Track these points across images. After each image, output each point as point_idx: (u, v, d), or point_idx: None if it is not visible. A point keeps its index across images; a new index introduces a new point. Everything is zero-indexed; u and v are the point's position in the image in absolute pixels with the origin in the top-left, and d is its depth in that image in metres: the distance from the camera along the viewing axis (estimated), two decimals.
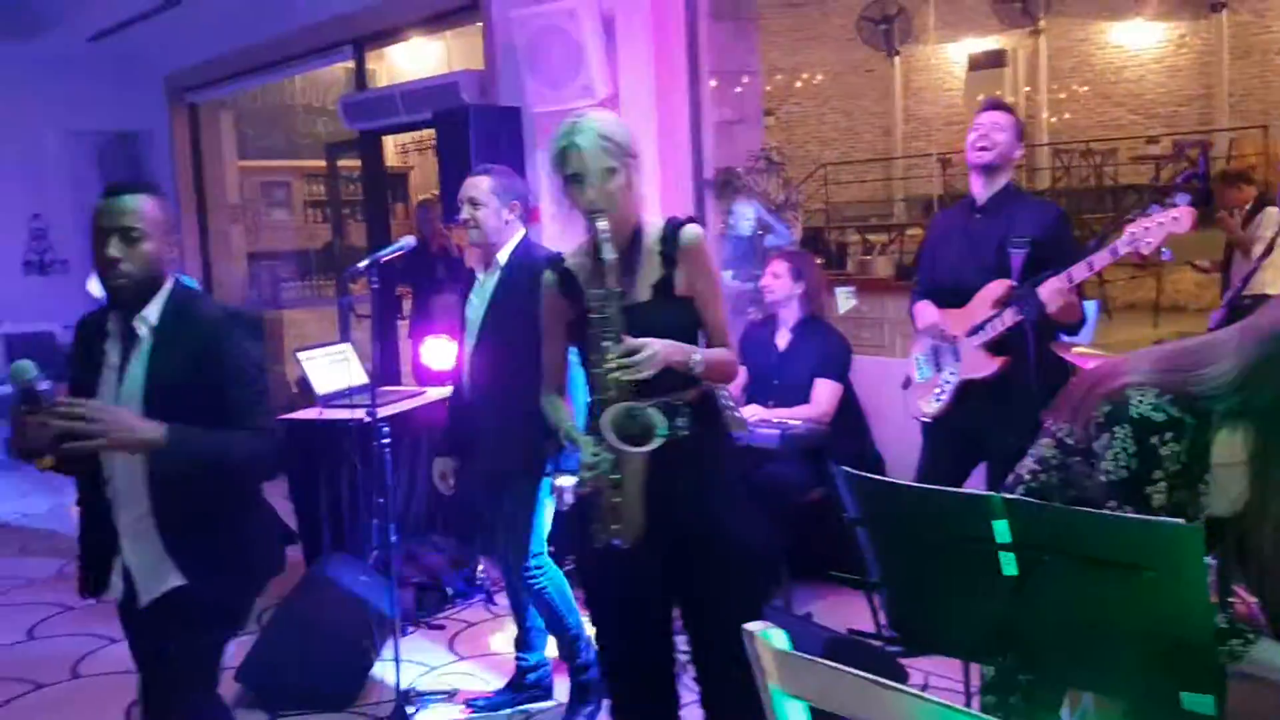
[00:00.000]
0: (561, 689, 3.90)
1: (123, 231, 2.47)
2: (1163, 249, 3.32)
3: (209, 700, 2.71)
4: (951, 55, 17.17)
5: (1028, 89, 15.96)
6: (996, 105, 3.81)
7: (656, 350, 2.39)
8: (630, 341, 2.40)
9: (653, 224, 2.62)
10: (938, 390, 3.83)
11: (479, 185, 3.61)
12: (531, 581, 3.69)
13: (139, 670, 2.73)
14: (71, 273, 10.01)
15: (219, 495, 2.55)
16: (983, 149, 3.70)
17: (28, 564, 5.95)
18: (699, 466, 2.56)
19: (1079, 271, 3.38)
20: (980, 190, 3.77)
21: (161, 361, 2.50)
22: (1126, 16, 15.27)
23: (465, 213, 3.62)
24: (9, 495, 7.36)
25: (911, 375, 3.98)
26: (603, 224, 2.46)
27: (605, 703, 3.35)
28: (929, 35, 16.07)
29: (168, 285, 2.56)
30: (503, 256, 3.61)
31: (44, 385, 2.37)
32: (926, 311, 3.88)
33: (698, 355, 2.49)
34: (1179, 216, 3.23)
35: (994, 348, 3.63)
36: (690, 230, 2.58)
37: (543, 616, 3.78)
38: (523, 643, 3.93)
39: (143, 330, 2.52)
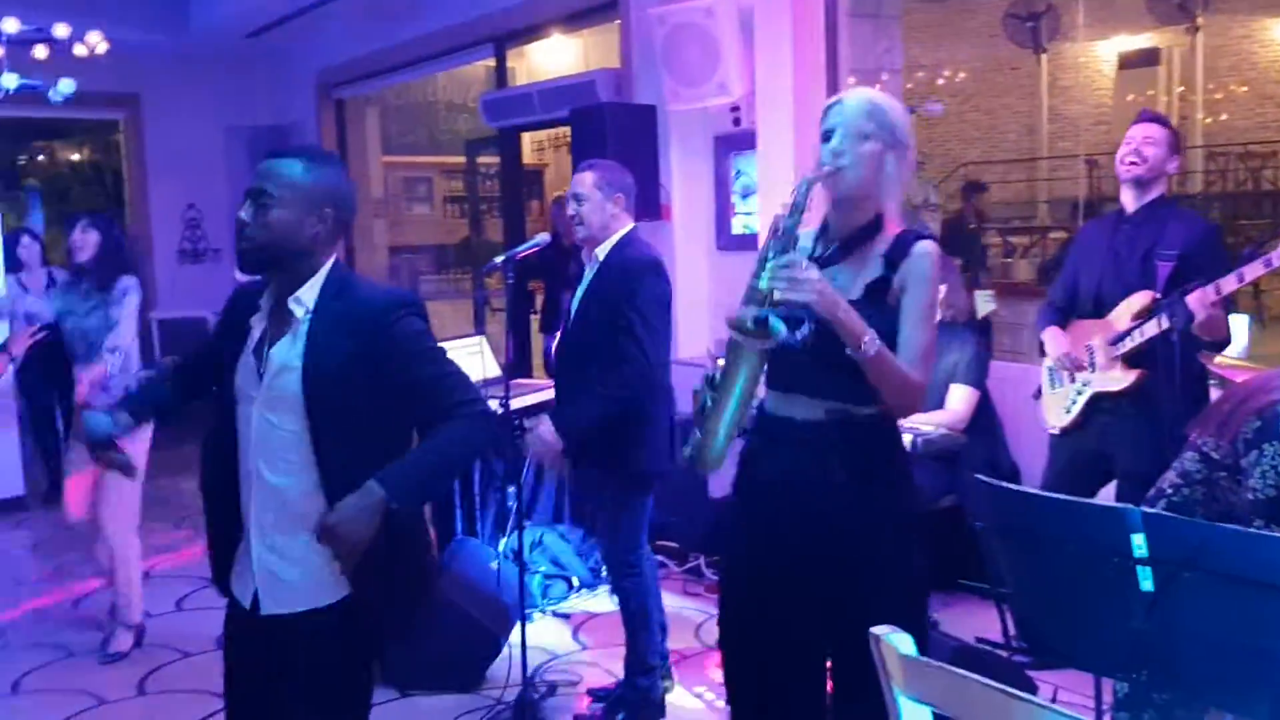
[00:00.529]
0: (680, 680, 3.93)
1: (255, 194, 2.28)
2: None
3: None
4: (1101, 53, 16.62)
5: (1182, 89, 15.34)
6: (1151, 118, 3.71)
7: (817, 281, 2.16)
8: (796, 256, 2.21)
9: (892, 225, 2.40)
10: (1069, 402, 3.74)
11: (583, 181, 3.65)
12: (620, 579, 3.73)
13: (231, 696, 2.46)
14: (223, 261, 10.44)
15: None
16: (1133, 163, 3.61)
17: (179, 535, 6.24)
18: (864, 510, 2.30)
19: (1228, 283, 3.26)
20: (1130, 202, 3.68)
21: (321, 348, 2.25)
22: None
23: (571, 208, 3.67)
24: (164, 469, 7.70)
25: (1042, 385, 3.89)
26: (814, 178, 2.28)
27: None
28: (1078, 32, 15.60)
29: (326, 266, 2.32)
30: (602, 252, 3.65)
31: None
32: (1057, 339, 3.78)
33: (872, 338, 2.19)
34: None
35: (1130, 360, 3.53)
36: (924, 244, 2.35)
37: (624, 619, 3.79)
38: None
39: (299, 312, 2.29)
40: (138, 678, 4.32)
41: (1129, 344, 3.53)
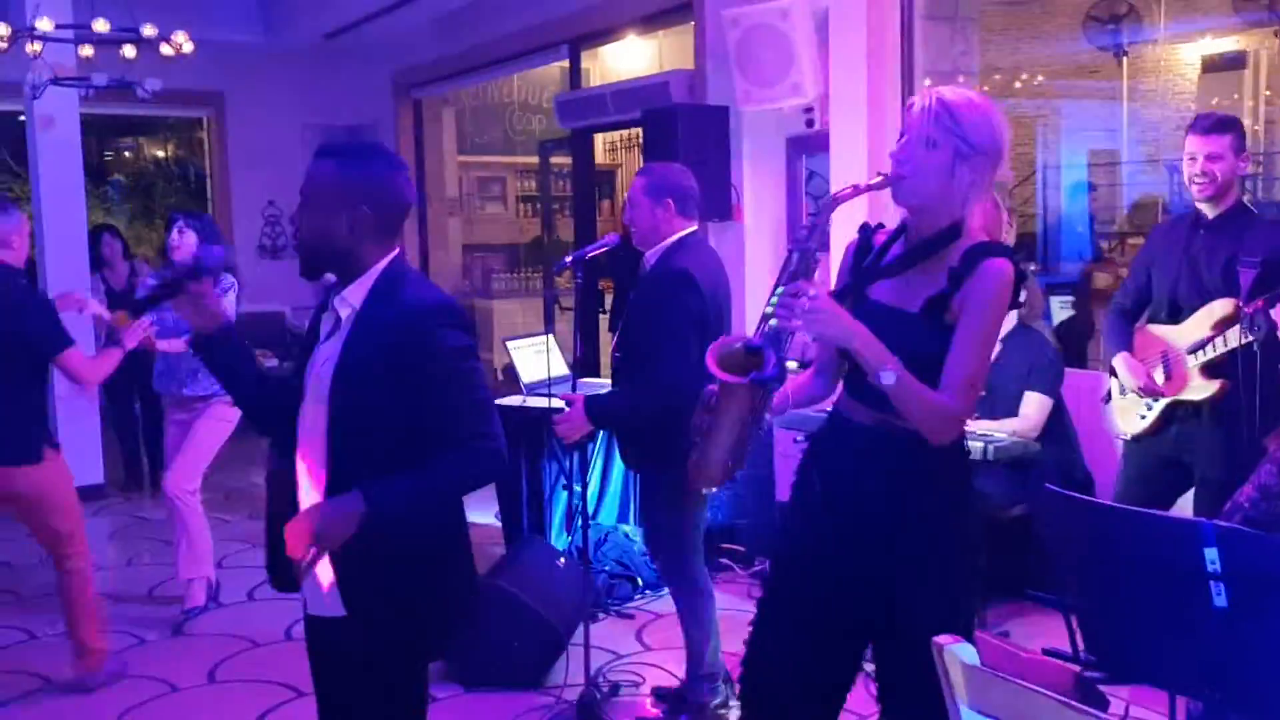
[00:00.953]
0: None
1: (300, 196, 2.29)
2: None
3: None
4: (1184, 56, 16.29)
5: (1268, 92, 14.95)
6: (1209, 127, 3.54)
7: (825, 311, 2.08)
8: (804, 284, 2.11)
9: (971, 236, 2.30)
10: (1144, 409, 3.67)
11: (634, 187, 3.68)
12: (670, 582, 3.74)
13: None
14: None
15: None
16: (1203, 185, 3.51)
17: (254, 526, 6.37)
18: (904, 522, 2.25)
19: None
20: (1208, 210, 3.59)
21: (357, 349, 2.22)
22: None
23: (627, 215, 3.70)
24: (239, 459, 7.84)
25: (1111, 390, 3.82)
26: (840, 195, 2.23)
27: None
28: (1160, 35, 15.28)
29: (380, 265, 2.26)
30: (652, 256, 3.66)
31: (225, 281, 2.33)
32: (1131, 369, 3.67)
33: (890, 370, 2.10)
34: None
35: (1211, 369, 3.45)
36: (993, 262, 2.20)
37: (681, 622, 3.79)
38: None
39: (344, 312, 2.27)
40: (209, 666, 4.41)
41: (1210, 353, 3.45)
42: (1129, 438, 3.76)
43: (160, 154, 12.60)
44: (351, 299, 2.27)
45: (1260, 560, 1.40)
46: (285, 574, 2.30)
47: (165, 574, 5.44)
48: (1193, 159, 3.53)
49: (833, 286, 2.45)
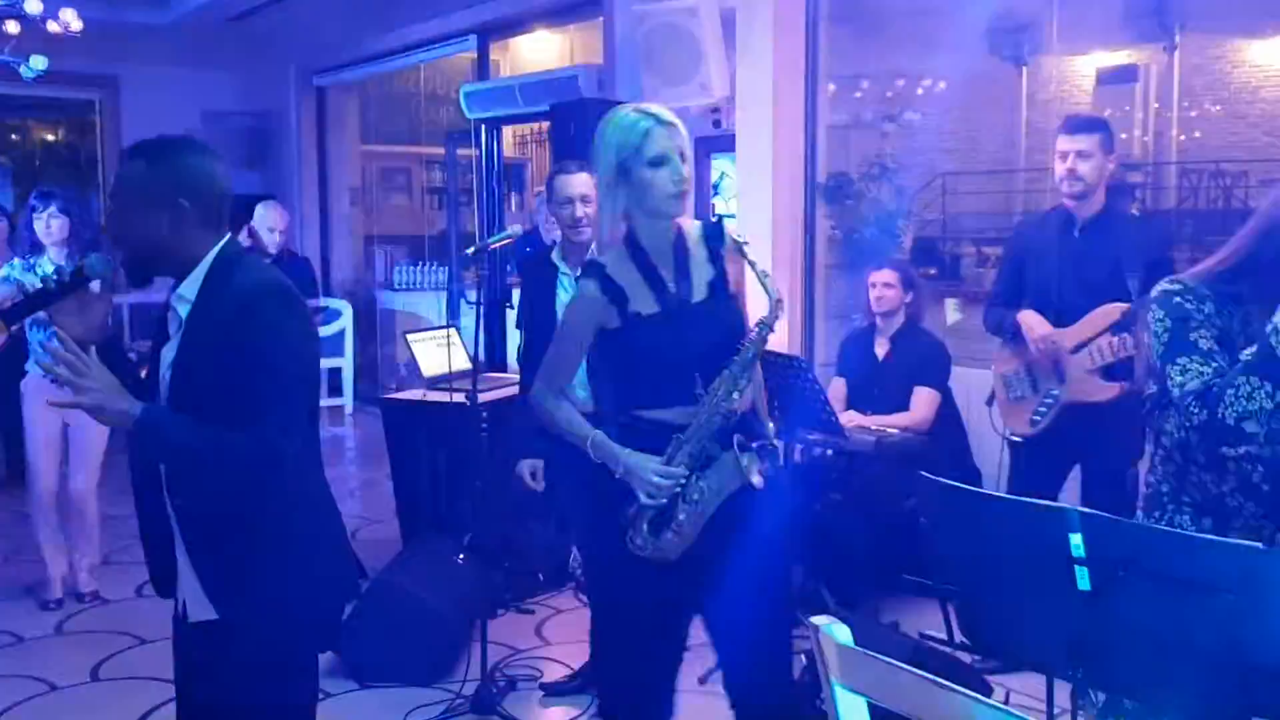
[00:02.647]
0: None
1: (113, 200, 2.24)
2: None
3: None
4: (1081, 68, 16.73)
5: (1157, 105, 15.44)
6: (1077, 127, 3.68)
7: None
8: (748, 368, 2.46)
9: (688, 222, 2.61)
10: (1038, 411, 3.77)
11: (588, 181, 3.52)
12: None
13: (176, 694, 2.41)
14: None
15: (256, 503, 2.16)
16: (1071, 184, 3.63)
17: None
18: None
19: None
20: (1080, 210, 3.69)
21: (191, 344, 2.17)
22: (1267, 35, 14.68)
23: (577, 210, 3.58)
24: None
25: (997, 392, 3.92)
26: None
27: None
28: (1058, 47, 15.66)
29: (209, 256, 2.20)
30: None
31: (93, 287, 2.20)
32: (1038, 321, 3.75)
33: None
34: None
35: (1108, 372, 3.57)
36: (731, 228, 2.61)
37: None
38: None
39: (183, 310, 2.20)
40: (92, 664, 4.29)
41: (1107, 356, 3.56)
42: (1020, 439, 3.85)
43: (50, 137, 12.19)
44: (187, 294, 2.21)
45: (1121, 544, 1.46)
46: (165, 579, 2.28)
47: (45, 573, 5.29)
48: (1063, 157, 3.65)
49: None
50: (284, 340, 2.14)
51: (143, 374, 2.32)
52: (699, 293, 2.54)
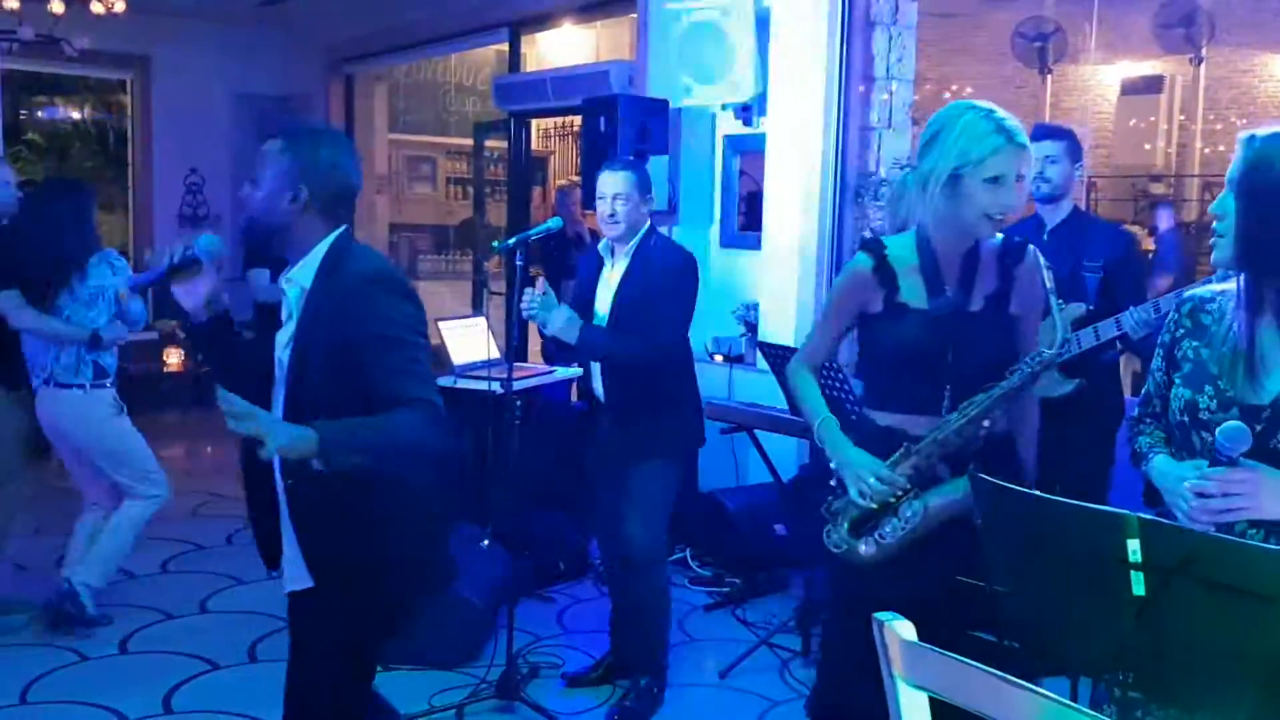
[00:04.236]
0: None
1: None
2: None
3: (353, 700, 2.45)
4: (1105, 78, 16.73)
5: (1182, 117, 15.44)
6: (1043, 135, 3.80)
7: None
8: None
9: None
10: None
11: (624, 180, 3.72)
12: (655, 574, 3.78)
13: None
14: (223, 227, 10.43)
15: (364, 488, 2.24)
16: (1039, 187, 3.77)
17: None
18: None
19: (1167, 303, 3.39)
20: (1048, 216, 3.87)
21: (308, 326, 2.27)
22: None
23: (609, 207, 3.71)
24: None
25: None
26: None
27: None
28: (1084, 56, 15.69)
29: (325, 242, 2.32)
30: (631, 247, 3.72)
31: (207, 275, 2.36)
32: None
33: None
34: None
35: (1067, 368, 3.65)
36: (1033, 250, 2.47)
37: (651, 615, 3.83)
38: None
39: (293, 293, 2.33)
40: (120, 638, 4.35)
41: (1067, 353, 3.68)
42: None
43: (77, 115, 12.26)
44: (299, 279, 2.33)
45: (1178, 551, 1.49)
46: (271, 552, 2.43)
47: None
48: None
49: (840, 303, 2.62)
50: (402, 319, 2.23)
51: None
52: (976, 303, 2.44)
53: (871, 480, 2.35)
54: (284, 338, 2.34)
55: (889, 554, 2.37)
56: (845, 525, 2.41)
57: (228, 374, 2.43)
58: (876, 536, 2.37)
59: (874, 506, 2.37)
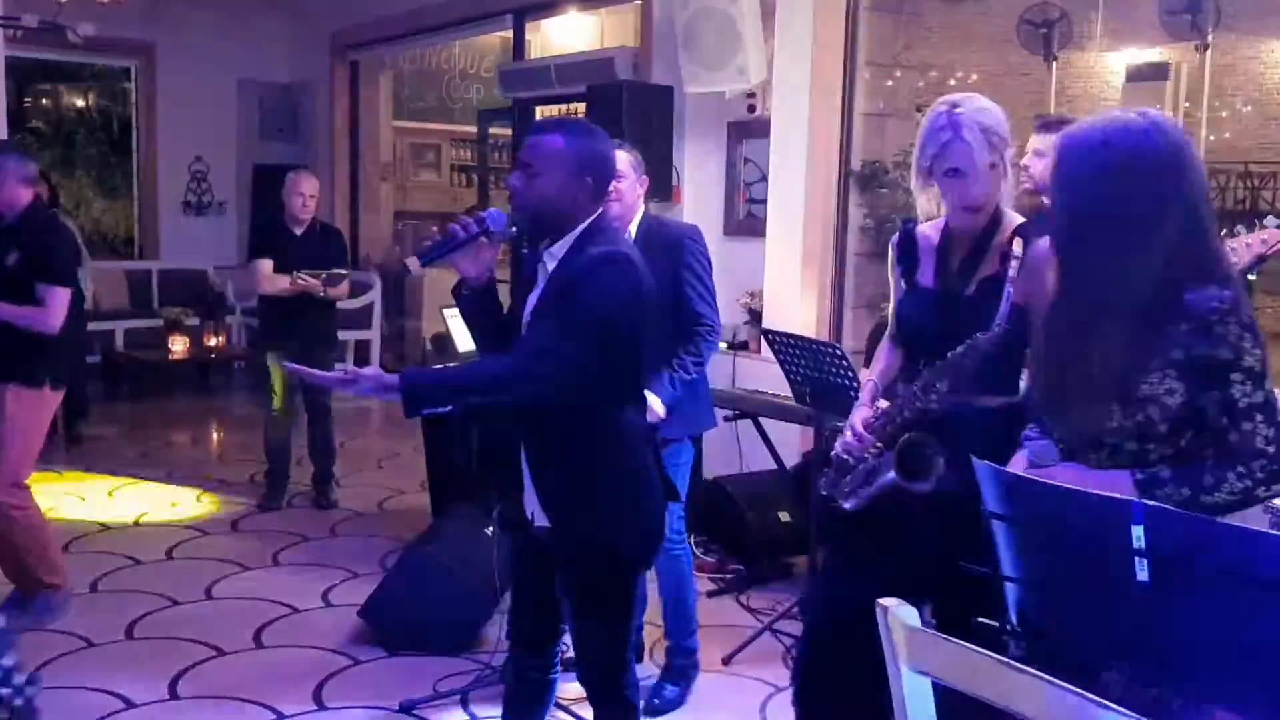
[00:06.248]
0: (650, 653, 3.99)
1: (523, 167, 2.57)
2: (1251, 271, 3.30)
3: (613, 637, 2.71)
4: (1111, 64, 16.64)
5: (1188, 104, 15.35)
6: (1042, 126, 3.81)
7: None
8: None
9: (1011, 218, 2.58)
10: None
11: (621, 159, 3.65)
12: (672, 548, 3.78)
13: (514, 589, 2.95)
14: (227, 215, 10.44)
15: (585, 434, 2.57)
16: (1024, 181, 3.74)
17: (170, 487, 6.28)
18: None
19: None
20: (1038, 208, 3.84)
21: (547, 294, 2.57)
22: None
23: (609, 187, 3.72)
24: (159, 420, 7.70)
25: None
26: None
27: None
28: (1090, 42, 15.61)
29: (582, 225, 2.57)
30: (633, 229, 3.71)
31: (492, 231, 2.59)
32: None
33: None
34: (1267, 238, 3.19)
35: None
36: (1044, 243, 2.35)
37: (669, 588, 3.83)
38: None
39: (550, 265, 2.59)
40: (125, 624, 4.36)
41: None
42: None
43: (81, 103, 12.27)
44: (557, 252, 2.59)
45: (1183, 538, 1.49)
46: (509, 515, 2.81)
47: (81, 529, 5.38)
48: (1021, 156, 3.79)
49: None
50: (601, 299, 2.49)
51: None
52: (971, 287, 2.55)
53: (847, 433, 2.61)
54: (531, 302, 2.62)
55: (859, 501, 2.57)
56: (833, 470, 2.66)
57: (484, 336, 2.77)
58: (847, 482, 2.60)
59: (847, 459, 2.60)
